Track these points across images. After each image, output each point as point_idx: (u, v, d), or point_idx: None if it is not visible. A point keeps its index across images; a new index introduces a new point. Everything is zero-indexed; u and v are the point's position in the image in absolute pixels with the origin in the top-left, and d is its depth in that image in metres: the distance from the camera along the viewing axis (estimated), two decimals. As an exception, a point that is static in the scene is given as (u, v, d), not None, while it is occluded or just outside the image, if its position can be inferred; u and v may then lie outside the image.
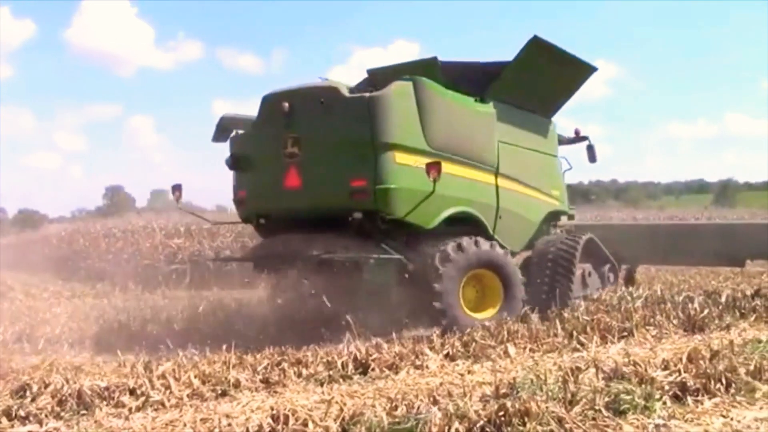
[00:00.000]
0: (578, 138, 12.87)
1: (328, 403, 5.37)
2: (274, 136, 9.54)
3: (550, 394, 5.44)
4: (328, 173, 9.17)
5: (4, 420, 5.64)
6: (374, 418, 4.90)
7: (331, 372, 6.91)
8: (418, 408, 5.11)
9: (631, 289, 11.86)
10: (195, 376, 6.52)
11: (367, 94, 9.17)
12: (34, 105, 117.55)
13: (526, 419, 4.77)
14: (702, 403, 5.45)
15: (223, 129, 13.89)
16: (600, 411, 5.10)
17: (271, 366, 6.98)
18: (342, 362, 7.09)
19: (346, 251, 9.05)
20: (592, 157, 12.74)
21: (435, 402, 5.32)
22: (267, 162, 9.78)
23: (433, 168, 8.78)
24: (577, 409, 5.08)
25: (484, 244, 9.53)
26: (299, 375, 6.86)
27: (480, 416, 4.86)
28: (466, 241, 9.34)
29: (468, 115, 10.22)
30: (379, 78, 10.57)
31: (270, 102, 9.79)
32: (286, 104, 9.31)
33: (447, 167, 9.19)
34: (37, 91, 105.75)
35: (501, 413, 4.85)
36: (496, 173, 10.41)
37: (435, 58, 10.68)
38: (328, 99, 9.27)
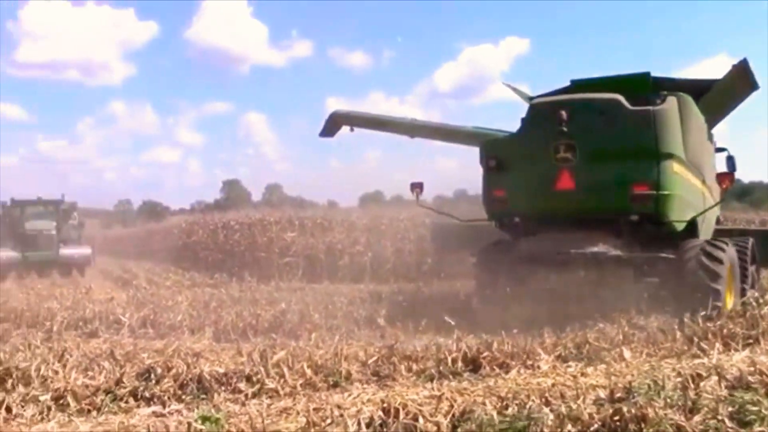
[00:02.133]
0: (718, 149, 13.03)
1: (438, 398, 5.35)
2: (545, 141, 10.20)
3: (668, 400, 5.22)
4: (606, 178, 9.92)
5: (131, 400, 5.97)
6: (485, 416, 4.86)
7: (441, 368, 6.91)
8: (530, 408, 5.03)
9: (756, 295, 11.27)
10: (308, 366, 6.66)
11: (651, 108, 9.87)
12: (156, 102, 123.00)
13: (642, 425, 4.62)
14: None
15: (333, 125, 14.33)
16: (723, 421, 4.84)
17: (381, 360, 7.04)
18: (452, 359, 7.08)
19: (618, 250, 9.97)
20: (732, 167, 12.77)
21: (547, 403, 5.22)
22: (535, 165, 10.38)
23: (726, 178, 10.31)
24: (697, 417, 4.85)
25: (730, 247, 10.35)
26: (409, 370, 6.89)
27: (594, 419, 4.73)
28: (719, 243, 10.21)
29: (702, 129, 11.12)
30: (585, 89, 10.91)
31: (541, 109, 10.58)
32: (563, 113, 9.92)
33: (689, 176, 10.35)
34: (159, 89, 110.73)
35: (616, 418, 4.71)
36: (703, 181, 11.14)
37: (647, 73, 11.02)
38: (609, 109, 9.97)
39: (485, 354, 7.15)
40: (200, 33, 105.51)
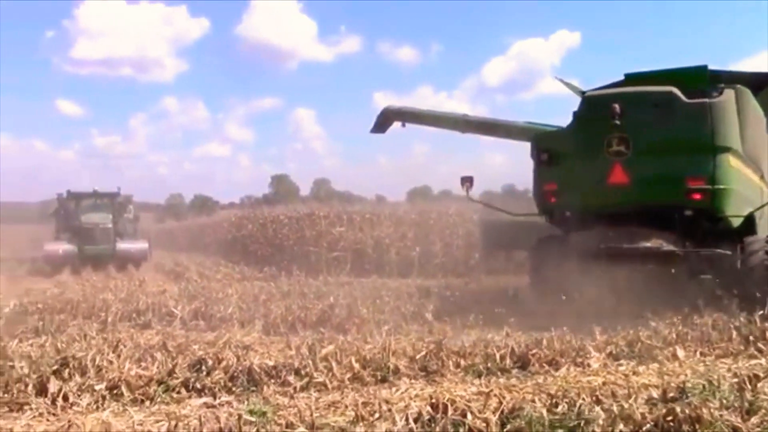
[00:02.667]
0: None
1: (486, 395, 5.32)
2: (598, 134, 10.16)
3: (724, 401, 5.11)
4: (660, 172, 9.82)
5: (183, 391, 6.09)
6: (534, 414, 4.82)
7: (489, 364, 6.87)
8: (580, 406, 4.97)
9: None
10: (356, 361, 6.70)
11: (707, 100, 9.77)
12: (207, 97, 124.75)
13: (696, 426, 4.53)
14: None
15: (385, 121, 14.32)
16: (781, 424, 4.72)
17: (429, 355, 7.03)
18: (500, 355, 7.03)
19: (672, 245, 9.81)
20: None
21: (598, 401, 5.15)
22: (588, 158, 10.33)
23: None
24: (754, 419, 4.74)
25: None
26: (457, 366, 6.87)
27: (646, 419, 4.65)
28: None
29: (760, 122, 10.94)
30: (639, 83, 10.77)
31: (594, 102, 10.55)
32: (617, 106, 9.88)
33: (746, 170, 10.20)
34: (210, 85, 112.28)
35: (669, 418, 4.63)
36: (762, 176, 11.05)
37: (704, 66, 10.76)
38: (663, 102, 9.89)
39: (534, 351, 7.09)
40: (250, 29, 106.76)
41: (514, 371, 6.80)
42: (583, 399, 5.19)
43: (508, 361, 6.97)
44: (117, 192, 25.95)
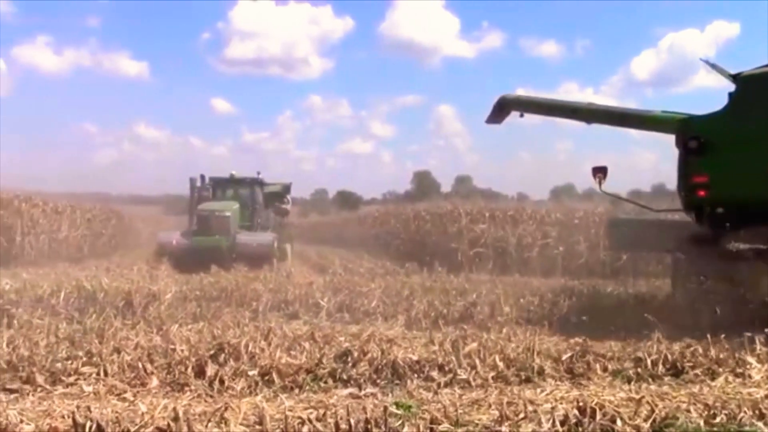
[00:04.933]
0: None
1: (637, 401, 5.12)
2: (759, 118, 9.27)
3: None
4: None
5: (330, 381, 6.28)
6: (690, 424, 4.61)
7: (639, 370, 6.62)
8: (741, 420, 4.69)
9: None
10: (500, 359, 6.65)
11: None
12: (351, 95, 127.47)
13: None
14: None
15: (501, 111, 13.26)
16: None
17: (575, 357, 6.86)
18: (651, 361, 6.76)
19: None
20: None
21: (761, 416, 4.83)
22: (747, 146, 9.40)
23: None
24: None
25: None
26: (605, 369, 6.68)
27: (817, 438, 4.32)
28: None
29: None
30: None
31: (755, 81, 9.58)
32: None
33: None
34: (354, 82, 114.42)
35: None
36: None
37: None
38: None
39: (689, 359, 6.75)
40: (393, 27, 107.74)
41: (666, 378, 6.51)
42: (744, 412, 4.90)
43: (660, 367, 6.68)
44: (257, 177, 23.05)
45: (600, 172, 10.67)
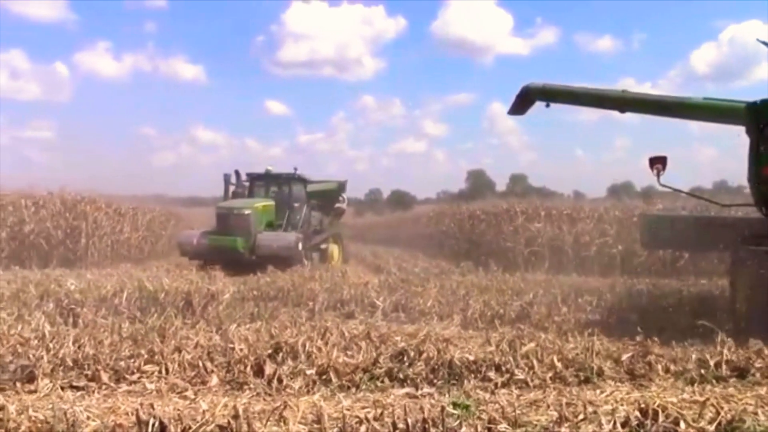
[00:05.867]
0: None
1: (702, 403, 4.99)
2: None
3: None
4: None
5: (387, 380, 6.30)
6: (758, 428, 4.47)
7: (702, 371, 6.46)
8: (812, 425, 4.54)
9: None
10: (558, 360, 6.58)
11: None
12: (404, 94, 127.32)
13: None
14: None
15: (525, 101, 12.56)
16: None
17: (636, 357, 6.74)
18: (715, 363, 6.59)
19: None
20: None
21: (835, 421, 4.67)
22: None
23: None
24: None
25: None
26: (666, 370, 6.54)
27: None
28: None
29: None
30: None
31: None
32: None
33: None
34: (406, 82, 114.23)
35: None
36: None
37: None
38: None
39: (755, 361, 6.56)
40: (445, 26, 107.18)
41: (731, 380, 6.34)
42: (816, 415, 4.74)
43: (724, 369, 6.51)
44: (293, 174, 21.22)
45: (658, 162, 9.73)
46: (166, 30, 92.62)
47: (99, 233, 22.26)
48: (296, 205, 20.70)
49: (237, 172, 21.13)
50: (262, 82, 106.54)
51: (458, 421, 4.72)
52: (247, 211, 19.16)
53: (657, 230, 12.54)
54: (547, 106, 12.22)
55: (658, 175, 9.75)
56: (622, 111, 11.64)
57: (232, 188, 20.85)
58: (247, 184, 21.24)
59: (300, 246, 18.95)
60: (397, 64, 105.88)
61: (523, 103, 12.65)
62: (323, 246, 21.47)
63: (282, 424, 4.76)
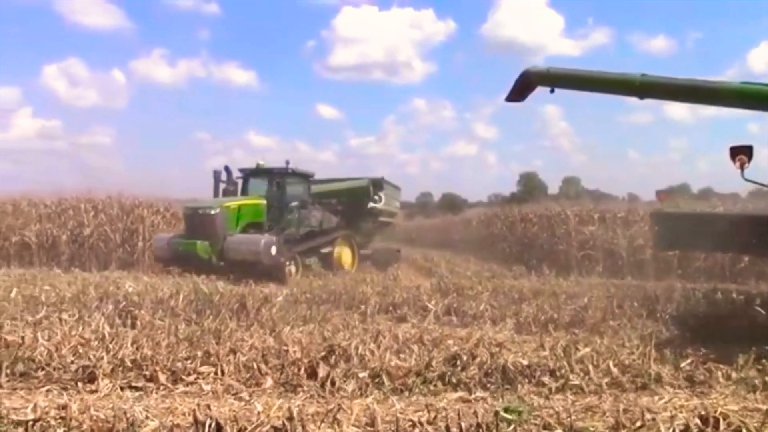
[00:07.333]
0: None
1: (765, 412, 4.86)
2: None
3: None
4: None
5: (439, 384, 6.28)
6: (823, 437, 4.32)
7: (765, 378, 6.28)
8: None
9: None
10: (614, 365, 6.47)
11: None
12: (454, 97, 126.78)
13: None
14: None
15: (524, 87, 11.39)
16: None
17: (696, 364, 6.59)
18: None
19: None
20: None
21: None
22: None
23: None
24: None
25: None
26: (728, 378, 6.37)
27: None
28: None
29: None
30: None
31: None
32: None
33: None
34: (456, 85, 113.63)
35: None
36: None
37: None
38: None
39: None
40: (495, 28, 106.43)
41: (795, 388, 6.15)
42: None
43: (787, 376, 6.32)
44: (285, 168, 18.72)
45: (742, 153, 8.47)
46: (219, 36, 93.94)
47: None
48: (293, 203, 18.39)
49: (227, 168, 18.76)
50: (313, 87, 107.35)
51: (512, 426, 4.68)
52: (212, 211, 17.04)
53: (671, 230, 11.73)
54: (552, 91, 11.02)
55: (741, 168, 8.55)
56: (642, 97, 10.19)
57: (223, 186, 18.58)
58: (239, 181, 18.97)
59: (273, 250, 16.41)
60: (447, 66, 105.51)
61: (522, 88, 11.54)
62: (325, 250, 19.37)
63: (336, 426, 4.79)
